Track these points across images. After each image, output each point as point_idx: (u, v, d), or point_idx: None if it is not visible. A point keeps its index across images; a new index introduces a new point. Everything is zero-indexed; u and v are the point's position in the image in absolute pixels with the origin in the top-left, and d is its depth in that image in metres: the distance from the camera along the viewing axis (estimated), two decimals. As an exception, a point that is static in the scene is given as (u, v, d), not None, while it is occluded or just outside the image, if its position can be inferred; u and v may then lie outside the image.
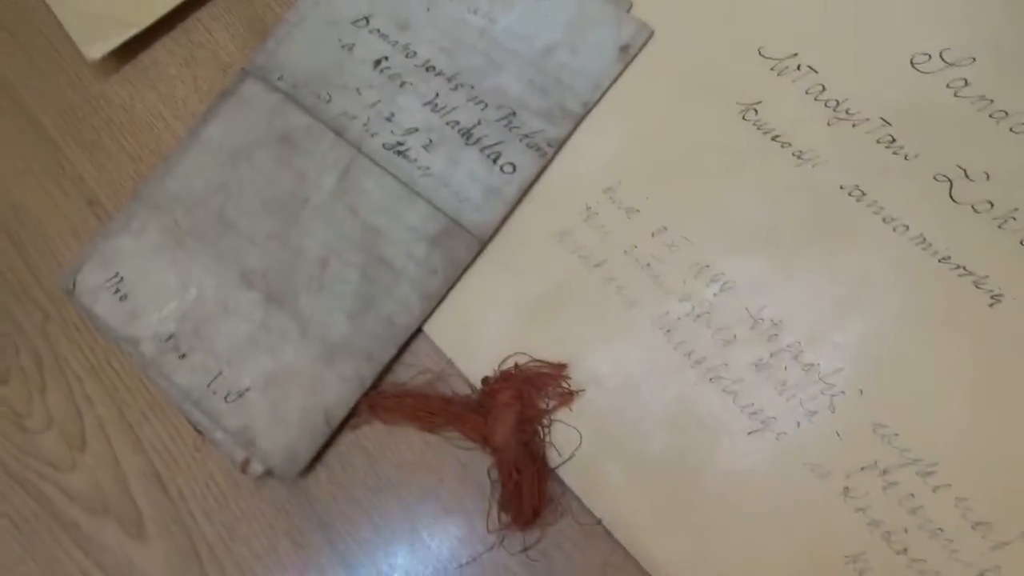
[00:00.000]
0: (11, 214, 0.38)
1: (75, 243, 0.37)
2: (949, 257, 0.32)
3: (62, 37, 0.40)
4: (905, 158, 0.34)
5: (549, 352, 0.34)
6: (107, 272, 0.36)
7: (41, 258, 0.37)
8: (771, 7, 0.36)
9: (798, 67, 0.36)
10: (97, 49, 0.38)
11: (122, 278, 0.36)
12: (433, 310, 0.34)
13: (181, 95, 0.39)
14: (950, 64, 0.34)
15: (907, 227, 0.33)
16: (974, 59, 0.34)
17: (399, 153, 0.36)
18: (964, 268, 0.32)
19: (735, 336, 0.33)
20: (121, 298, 0.36)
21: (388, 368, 0.33)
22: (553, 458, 0.31)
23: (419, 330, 0.34)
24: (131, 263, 0.36)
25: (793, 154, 0.35)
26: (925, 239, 0.33)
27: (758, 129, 0.35)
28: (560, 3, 0.37)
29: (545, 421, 0.32)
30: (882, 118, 0.34)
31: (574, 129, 0.36)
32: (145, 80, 0.39)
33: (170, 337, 0.35)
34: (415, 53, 0.37)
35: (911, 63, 0.35)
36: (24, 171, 0.39)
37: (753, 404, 0.32)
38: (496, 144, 0.36)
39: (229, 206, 0.36)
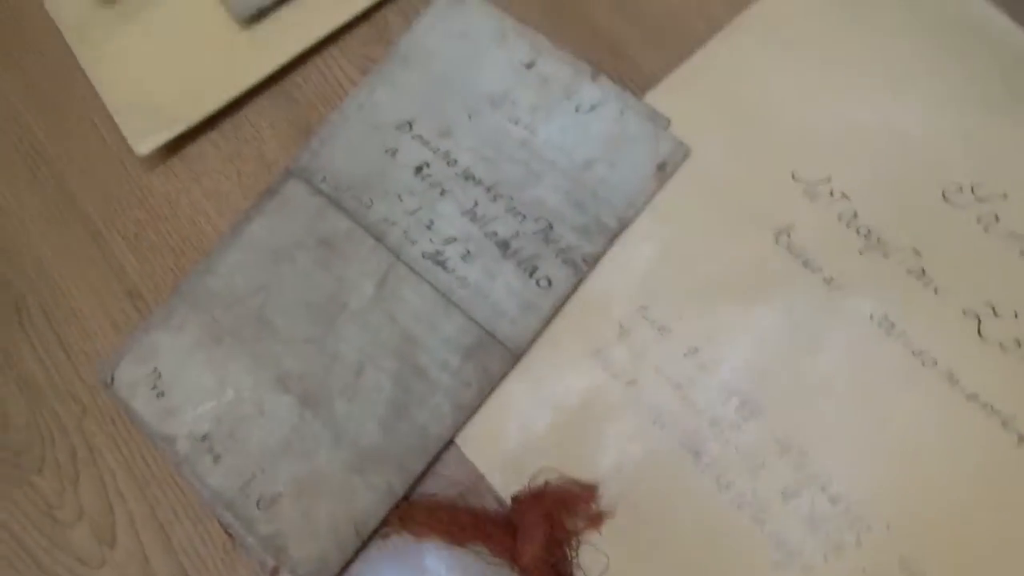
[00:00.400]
0: (52, 301, 0.39)
1: (114, 334, 0.38)
2: (977, 395, 0.33)
3: (111, 127, 0.41)
4: (935, 291, 0.34)
5: (580, 469, 0.34)
6: (146, 367, 0.37)
7: (80, 348, 0.38)
8: (805, 130, 0.37)
9: (831, 192, 0.36)
10: (147, 144, 0.39)
11: (160, 374, 0.37)
12: (465, 422, 0.35)
13: (225, 190, 0.40)
14: (981, 199, 0.35)
15: (935, 361, 0.33)
16: (1005, 195, 0.35)
17: (437, 262, 0.37)
18: (992, 407, 0.32)
19: (763, 463, 0.33)
20: (158, 394, 0.36)
21: (419, 479, 0.34)
22: (580, 580, 0.32)
23: (451, 441, 0.34)
24: (169, 359, 0.37)
25: (824, 280, 0.35)
26: (953, 375, 0.33)
27: (790, 253, 0.36)
28: (600, 118, 0.38)
29: (574, 542, 0.32)
30: (913, 248, 0.35)
31: (609, 245, 0.36)
32: (190, 173, 0.40)
33: (205, 437, 0.35)
34: (456, 161, 0.38)
35: (943, 195, 0.36)
36: (67, 258, 0.40)
37: (779, 534, 0.32)
38: (532, 257, 0.36)
39: (268, 306, 0.37)
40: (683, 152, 0.37)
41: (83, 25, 0.43)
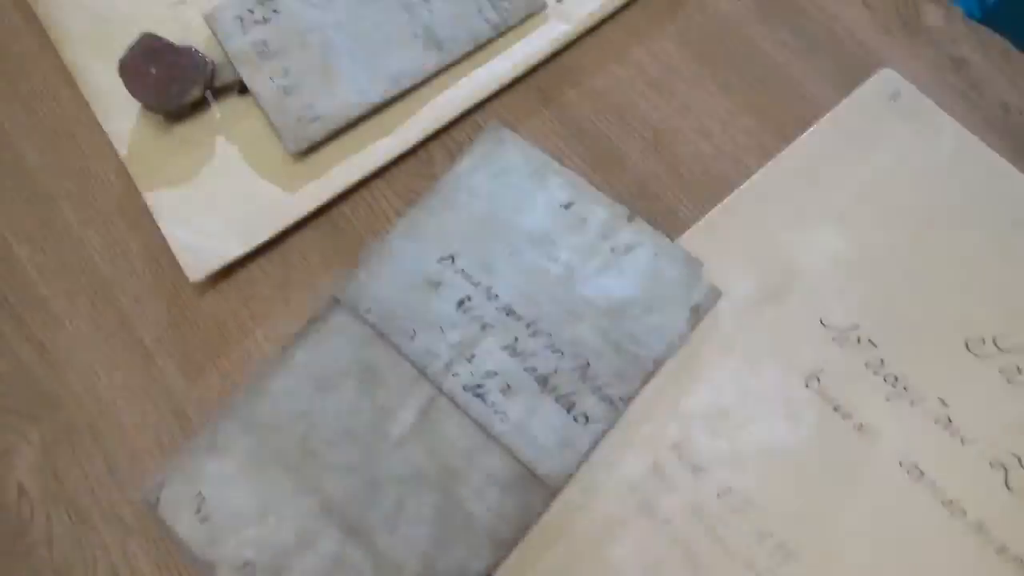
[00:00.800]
0: (100, 419, 0.40)
1: (160, 455, 0.39)
2: (1006, 548, 0.34)
3: (164, 248, 0.43)
4: (962, 441, 0.36)
5: (614, 609, 0.35)
6: (190, 491, 0.38)
7: (127, 467, 0.39)
8: (833, 277, 0.39)
9: (858, 339, 0.38)
10: (200, 271, 0.41)
11: (204, 499, 0.37)
12: (503, 558, 0.35)
13: (273, 315, 0.41)
14: (1003, 350, 0.37)
15: (964, 512, 0.34)
16: (1026, 348, 0.36)
17: (478, 395, 0.38)
18: (1021, 560, 0.33)
19: (797, 609, 0.34)
20: (202, 519, 0.37)
21: (457, 615, 0.34)
22: None
23: (489, 577, 0.35)
24: (214, 484, 0.38)
25: (854, 427, 0.36)
26: (982, 527, 0.34)
27: (821, 398, 0.37)
28: (636, 260, 0.40)
29: None
30: (939, 398, 0.36)
31: (645, 384, 0.38)
32: (240, 297, 0.42)
33: (247, 565, 0.36)
34: (497, 296, 0.40)
35: (966, 345, 0.37)
36: (117, 377, 0.41)
37: None
38: (571, 394, 0.38)
39: (312, 434, 0.38)
40: (715, 296, 0.39)
41: (140, 148, 0.45)
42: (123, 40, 0.45)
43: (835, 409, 0.37)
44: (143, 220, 0.44)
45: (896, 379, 0.37)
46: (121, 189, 0.45)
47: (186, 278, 0.42)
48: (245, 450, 0.38)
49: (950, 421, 0.36)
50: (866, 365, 0.37)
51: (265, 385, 0.39)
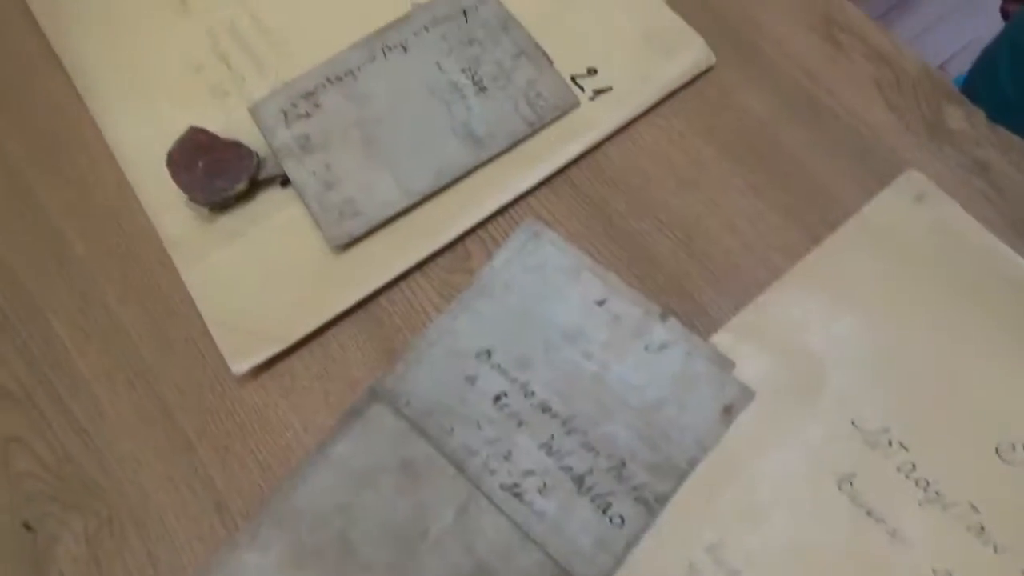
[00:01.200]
0: (142, 510, 0.41)
1: (201, 548, 0.40)
2: (1041, 660, 0.34)
3: (207, 338, 0.44)
4: (994, 550, 0.36)
5: None
6: (231, 586, 0.38)
7: (168, 561, 0.40)
8: (863, 378, 0.40)
9: (889, 442, 0.38)
10: (243, 364, 0.42)
11: (245, 594, 0.38)
12: (541, 661, 0.36)
13: (312, 407, 0.42)
14: (1034, 458, 0.37)
15: (999, 622, 0.35)
16: (1057, 456, 0.37)
17: (515, 495, 0.39)
18: (1056, 673, 0.33)
19: None
20: (242, 616, 0.38)
21: None
22: None
23: None
24: (254, 579, 0.38)
25: (888, 532, 0.37)
26: (1018, 639, 0.34)
27: (853, 502, 0.38)
28: (668, 358, 0.41)
29: None
30: (971, 503, 0.37)
31: (680, 484, 0.38)
32: (280, 389, 0.43)
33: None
34: (533, 392, 0.41)
35: (996, 451, 0.38)
36: (158, 467, 0.42)
37: None
38: (607, 494, 0.38)
39: (351, 529, 0.39)
40: (748, 396, 0.40)
41: (184, 237, 0.47)
42: (170, 130, 0.47)
43: (868, 513, 0.37)
44: (185, 308, 0.45)
45: (928, 483, 0.38)
46: (164, 276, 0.46)
47: (227, 366, 0.43)
48: (285, 545, 0.39)
49: (982, 529, 0.36)
50: (898, 469, 0.38)
51: (304, 480, 0.40)
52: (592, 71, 0.48)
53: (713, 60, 0.48)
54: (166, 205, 0.47)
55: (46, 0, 0.53)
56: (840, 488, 0.38)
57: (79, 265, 0.47)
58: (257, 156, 0.47)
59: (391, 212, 0.45)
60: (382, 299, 0.45)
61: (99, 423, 0.43)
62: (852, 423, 0.39)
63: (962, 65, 1.32)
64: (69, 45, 0.52)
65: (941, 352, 0.40)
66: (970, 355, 0.40)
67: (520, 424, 0.40)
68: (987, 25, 1.25)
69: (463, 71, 0.48)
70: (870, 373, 0.40)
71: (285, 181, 0.47)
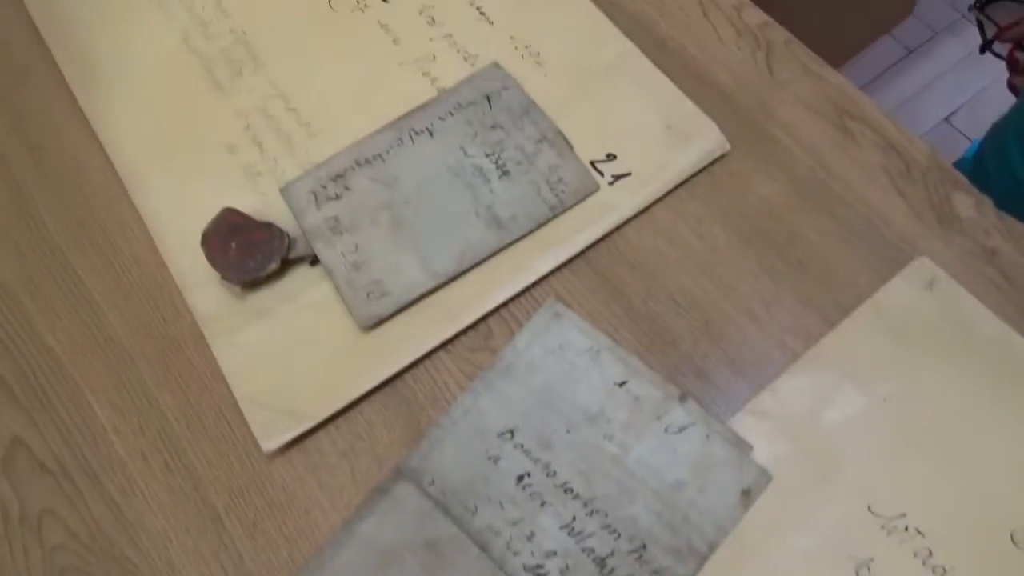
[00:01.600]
0: (172, 585, 0.42)
1: (231, 627, 0.41)
2: None
3: (237, 414, 0.45)
4: (1012, 639, 0.36)
5: None
6: (258, 665, 0.39)
7: (197, 638, 0.41)
8: (879, 463, 0.41)
9: (906, 528, 0.39)
10: (273, 442, 0.44)
11: (272, 673, 0.39)
12: None
13: (339, 484, 0.43)
14: (1048, 545, 0.38)
15: None
16: (1071, 544, 0.38)
17: (538, 576, 0.39)
18: None
19: None
20: None
21: None
22: None
23: None
24: (281, 658, 0.39)
25: (906, 620, 0.37)
26: None
27: (871, 589, 0.38)
28: (687, 441, 0.42)
29: None
30: (988, 593, 0.37)
31: (699, 568, 0.39)
32: (307, 465, 0.44)
33: None
34: (555, 473, 0.42)
35: (1011, 538, 0.38)
36: (189, 542, 0.43)
37: None
38: (628, 577, 0.39)
39: (377, 609, 0.40)
40: (765, 479, 0.41)
41: (216, 314, 0.48)
42: (205, 209, 0.49)
43: (887, 603, 0.38)
44: (216, 383, 0.47)
45: (945, 570, 0.38)
46: (196, 352, 0.48)
47: (256, 440, 0.44)
48: (312, 624, 0.40)
49: (1000, 617, 0.37)
50: (915, 555, 0.39)
51: (331, 556, 0.41)
52: (611, 156, 0.50)
53: (728, 147, 0.50)
54: (199, 282, 0.49)
55: (87, 82, 0.56)
56: (858, 573, 0.39)
57: (116, 342, 0.49)
58: (288, 236, 0.49)
59: (417, 293, 0.47)
60: (407, 376, 0.46)
61: (131, 498, 0.44)
62: (868, 508, 0.40)
63: (969, 117, 1.35)
64: (109, 125, 0.54)
65: (955, 438, 0.41)
66: (983, 441, 0.41)
67: (543, 505, 0.41)
68: (995, 76, 1.28)
69: (487, 155, 0.50)
70: (885, 457, 0.41)
71: (315, 260, 0.49)
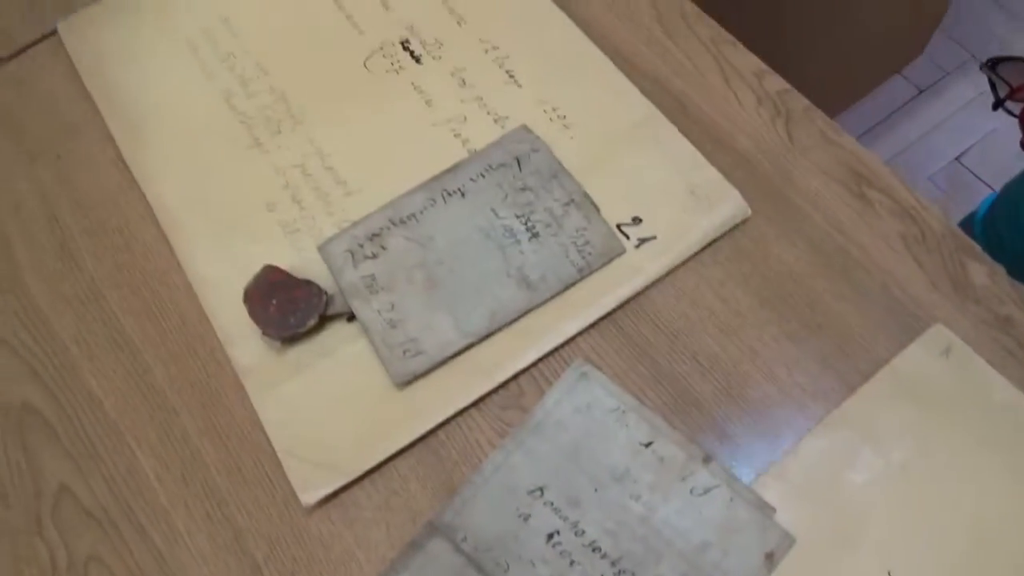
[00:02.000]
0: (213, 634, 0.44)
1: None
2: None
3: (277, 466, 0.47)
4: None
5: None
6: None
7: None
8: (899, 526, 0.42)
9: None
10: (311, 495, 0.45)
11: None
12: None
13: (374, 539, 0.45)
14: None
15: None
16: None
17: (568, 634, 0.41)
18: None
19: None
20: None
21: None
22: None
23: None
24: None
25: None
26: None
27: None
28: (712, 503, 0.43)
29: None
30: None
31: (723, 628, 0.41)
32: (344, 519, 0.46)
33: None
34: (583, 532, 0.43)
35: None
36: (229, 592, 0.45)
37: None
38: (654, 636, 0.40)
39: (412, 663, 0.41)
40: (789, 542, 0.42)
41: (256, 368, 0.50)
42: (245, 265, 0.51)
43: (904, 663, 0.39)
44: (256, 435, 0.49)
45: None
46: (238, 405, 0.50)
47: (294, 493, 0.46)
48: (349, 677, 0.41)
49: None
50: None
51: (368, 610, 0.43)
52: (636, 220, 0.52)
53: (749, 212, 0.51)
54: (240, 336, 0.51)
55: (133, 138, 0.58)
56: (877, 635, 0.40)
57: (159, 392, 0.50)
58: (326, 294, 0.51)
59: (450, 352, 0.49)
60: (440, 433, 0.48)
61: (174, 547, 0.46)
62: (889, 574, 0.41)
63: (979, 157, 1.36)
64: (153, 180, 0.57)
65: (971, 505, 0.42)
66: (1000, 509, 0.42)
67: (572, 564, 0.43)
68: (1005, 116, 1.30)
69: (517, 217, 0.52)
70: (906, 521, 0.42)
71: (351, 317, 0.51)
